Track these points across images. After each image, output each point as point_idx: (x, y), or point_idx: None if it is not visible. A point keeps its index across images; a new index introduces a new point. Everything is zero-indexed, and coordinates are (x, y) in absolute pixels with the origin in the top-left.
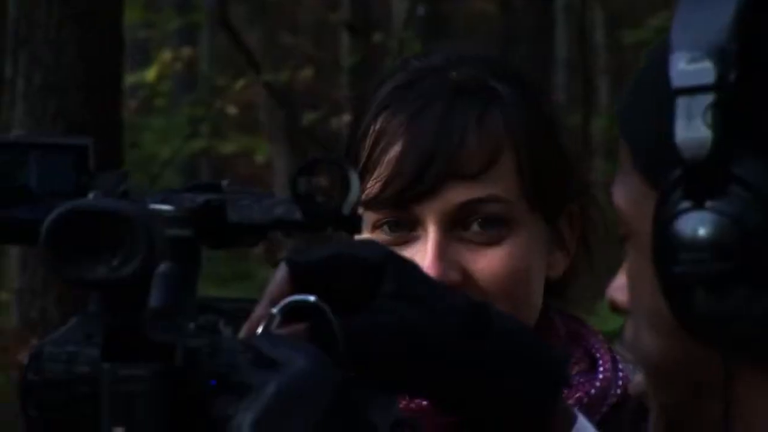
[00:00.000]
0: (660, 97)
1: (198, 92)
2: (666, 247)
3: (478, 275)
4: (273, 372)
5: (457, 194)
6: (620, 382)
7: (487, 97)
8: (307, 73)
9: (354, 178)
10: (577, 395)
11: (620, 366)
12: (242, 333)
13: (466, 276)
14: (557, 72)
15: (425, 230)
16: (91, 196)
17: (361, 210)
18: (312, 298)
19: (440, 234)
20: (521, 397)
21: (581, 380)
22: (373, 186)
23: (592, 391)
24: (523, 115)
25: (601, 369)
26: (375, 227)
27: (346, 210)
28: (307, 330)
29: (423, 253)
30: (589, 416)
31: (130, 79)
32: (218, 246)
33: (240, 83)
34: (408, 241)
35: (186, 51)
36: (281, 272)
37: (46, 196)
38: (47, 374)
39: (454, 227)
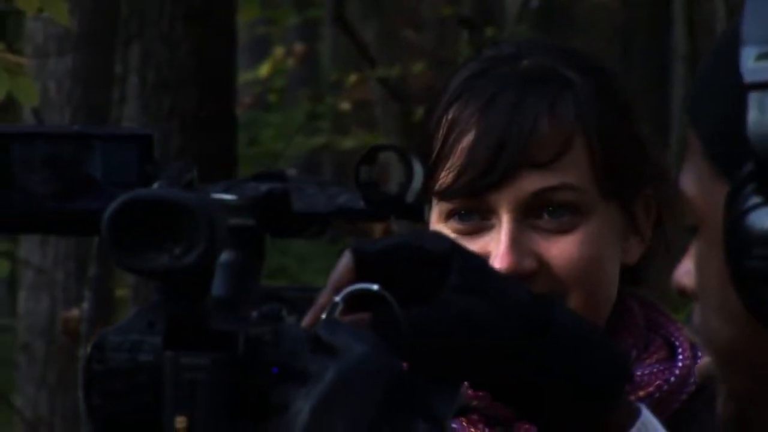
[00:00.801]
0: (732, 89)
1: (314, 88)
2: (738, 241)
3: (553, 263)
4: (332, 359)
5: (530, 183)
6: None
7: (559, 85)
8: (419, 67)
9: (417, 166)
10: (657, 383)
11: (699, 354)
12: (305, 321)
13: (541, 264)
14: (675, 65)
15: (498, 219)
16: (155, 186)
17: (435, 201)
18: (375, 287)
19: (514, 223)
20: (582, 392)
21: (660, 368)
22: (446, 176)
23: (672, 379)
24: (595, 102)
25: (680, 357)
26: (448, 217)
27: (408, 198)
28: (370, 319)
29: (497, 242)
30: (668, 405)
31: (246, 76)
32: (282, 235)
33: (352, 78)
34: (481, 230)
35: (298, 47)
36: (345, 260)
37: (111, 186)
38: (110, 363)
39: (527, 216)
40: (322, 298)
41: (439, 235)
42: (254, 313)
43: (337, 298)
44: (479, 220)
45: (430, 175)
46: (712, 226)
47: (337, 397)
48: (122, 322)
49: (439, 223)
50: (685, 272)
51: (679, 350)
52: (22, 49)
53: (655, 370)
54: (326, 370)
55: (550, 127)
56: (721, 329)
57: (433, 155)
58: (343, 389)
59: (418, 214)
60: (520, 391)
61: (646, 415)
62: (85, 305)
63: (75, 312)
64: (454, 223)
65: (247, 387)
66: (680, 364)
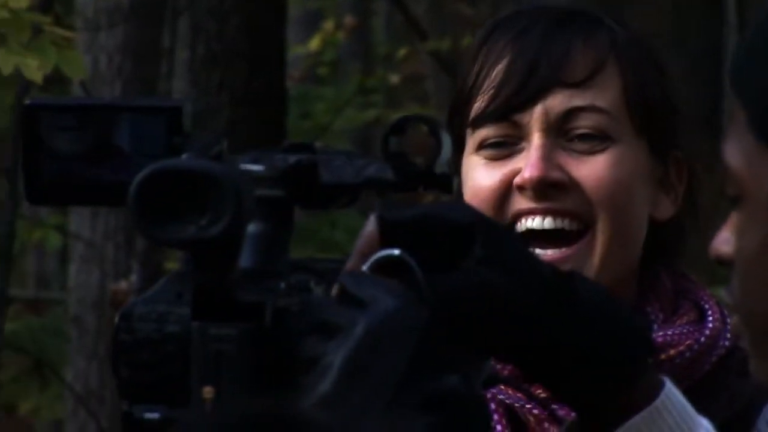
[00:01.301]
0: None
1: (366, 62)
2: None
3: (582, 180)
4: (361, 311)
5: (561, 101)
6: (728, 335)
7: (593, 20)
8: (470, 40)
9: (445, 138)
10: (687, 342)
11: (728, 319)
12: (334, 291)
13: (570, 181)
14: (728, 38)
15: (529, 140)
16: (183, 157)
17: (469, 132)
18: (397, 252)
19: (545, 139)
20: (604, 364)
21: (690, 330)
22: (480, 102)
23: (702, 339)
24: (629, 42)
25: (710, 320)
26: (480, 147)
27: (438, 169)
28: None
29: (527, 159)
30: (699, 366)
31: (296, 49)
32: (310, 207)
33: (403, 52)
34: (512, 154)
35: (349, 20)
36: (370, 227)
37: (139, 157)
38: (138, 334)
39: (557, 135)
40: (349, 266)
41: (464, 206)
42: (282, 284)
43: (364, 268)
44: (511, 147)
45: (466, 106)
46: (755, 197)
47: (369, 348)
48: (150, 292)
49: (472, 155)
50: (724, 240)
51: (709, 312)
52: (72, 23)
53: (684, 330)
54: (355, 323)
55: (583, 49)
56: (758, 298)
57: (467, 87)
58: (375, 341)
59: (447, 185)
60: (542, 362)
61: (669, 387)
62: (134, 278)
63: (123, 284)
64: (486, 151)
65: (275, 357)
66: (710, 325)
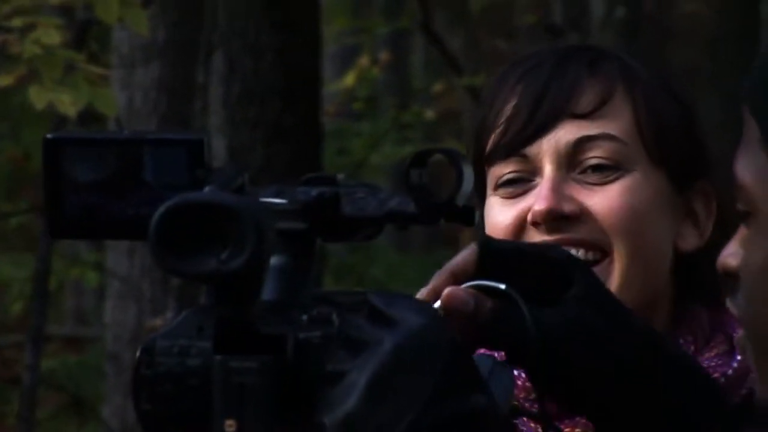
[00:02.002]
0: None
1: (401, 97)
2: None
3: (594, 210)
4: (389, 329)
5: (570, 132)
6: None
7: (603, 53)
8: None
9: (467, 170)
10: (715, 375)
11: None
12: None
13: (582, 211)
14: None
15: (541, 175)
16: (206, 190)
17: (488, 172)
18: (503, 286)
19: (555, 171)
20: (690, 420)
21: (719, 362)
22: (492, 140)
23: (729, 371)
24: (643, 73)
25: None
26: (497, 187)
27: (459, 201)
28: (492, 310)
29: (539, 193)
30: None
31: (332, 86)
32: (333, 239)
33: (438, 87)
34: (526, 191)
35: (384, 55)
36: (470, 251)
37: (161, 190)
38: (159, 368)
39: (568, 167)
40: (436, 280)
41: (559, 247)
42: (304, 317)
43: (463, 287)
44: (524, 184)
45: (481, 148)
46: (764, 213)
47: (396, 367)
48: (171, 325)
49: (491, 195)
50: (732, 254)
51: None
52: (108, 60)
53: (713, 363)
54: (383, 341)
55: (591, 80)
56: (763, 312)
57: (481, 128)
58: (402, 360)
59: (468, 217)
60: (630, 412)
61: None
62: (169, 314)
63: (159, 321)
64: (502, 190)
65: (298, 391)
66: (739, 357)
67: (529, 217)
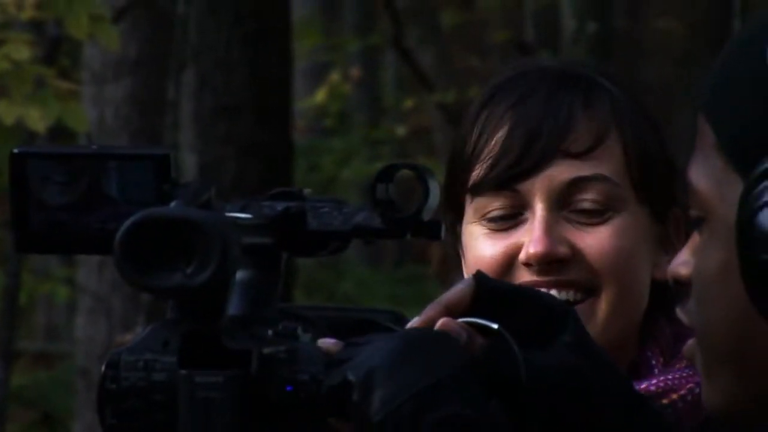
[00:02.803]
0: (754, 83)
1: (372, 114)
2: (751, 235)
3: (586, 251)
4: (357, 349)
5: (564, 172)
6: None
7: (593, 85)
8: (475, 91)
9: (433, 185)
10: (688, 386)
11: None
12: (411, 323)
13: (574, 253)
14: None
15: (532, 211)
16: (172, 205)
17: (469, 200)
18: (495, 326)
19: (548, 211)
20: None
21: (690, 373)
22: (480, 170)
23: (696, 389)
24: (627, 104)
25: None
26: (481, 217)
27: (425, 216)
28: (483, 347)
29: (530, 232)
30: (700, 408)
31: (304, 102)
32: (299, 254)
33: (408, 103)
34: (515, 226)
35: (354, 71)
36: (465, 285)
37: (127, 205)
38: (124, 382)
39: (560, 207)
40: (429, 311)
41: (553, 296)
42: (269, 332)
43: (456, 322)
44: (512, 219)
45: (464, 173)
46: (719, 219)
47: (418, 341)
48: (136, 340)
49: (472, 224)
50: (683, 262)
51: None
52: (79, 76)
53: (684, 374)
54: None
55: (585, 119)
56: (714, 321)
57: (467, 154)
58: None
59: (434, 232)
60: None
61: None
62: (140, 330)
63: (129, 337)
64: (488, 223)
65: (263, 405)
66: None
67: (522, 258)
